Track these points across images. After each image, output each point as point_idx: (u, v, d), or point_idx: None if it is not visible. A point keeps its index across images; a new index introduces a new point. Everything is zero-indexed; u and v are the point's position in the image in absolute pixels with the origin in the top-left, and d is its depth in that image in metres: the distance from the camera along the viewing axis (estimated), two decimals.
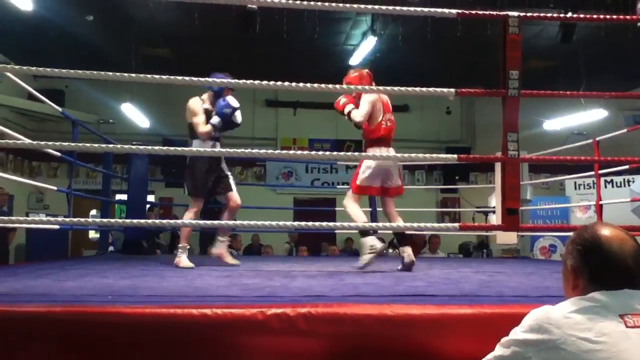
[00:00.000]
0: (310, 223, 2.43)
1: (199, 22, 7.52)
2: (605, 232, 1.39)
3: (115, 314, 1.68)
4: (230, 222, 4.30)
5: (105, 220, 3.67)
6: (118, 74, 2.37)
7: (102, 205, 6.48)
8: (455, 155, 2.55)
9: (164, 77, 2.39)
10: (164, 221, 2.92)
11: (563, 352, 1.25)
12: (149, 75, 2.41)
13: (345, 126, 4.46)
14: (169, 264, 4.23)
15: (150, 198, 9.99)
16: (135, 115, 10.25)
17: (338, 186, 10.70)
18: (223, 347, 1.70)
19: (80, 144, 2.52)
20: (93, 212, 10.45)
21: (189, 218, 4.26)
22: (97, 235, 8.08)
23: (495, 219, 6.88)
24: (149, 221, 2.82)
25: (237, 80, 2.54)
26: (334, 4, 2.63)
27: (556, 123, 10.57)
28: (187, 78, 2.40)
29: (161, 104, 10.51)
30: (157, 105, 10.50)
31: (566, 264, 1.45)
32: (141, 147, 2.48)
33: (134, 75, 2.44)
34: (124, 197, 6.54)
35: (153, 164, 10.06)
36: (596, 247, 1.38)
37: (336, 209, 8.62)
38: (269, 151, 3.01)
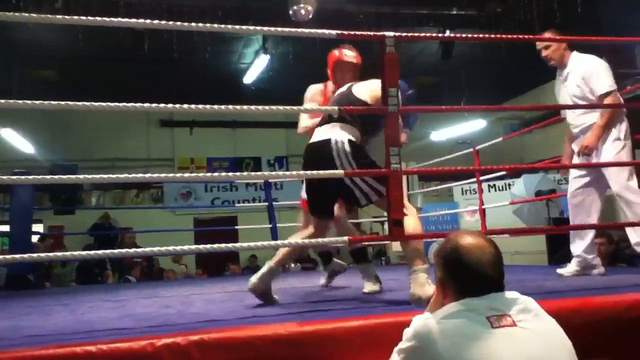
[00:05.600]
0: (209, 246, 2.37)
1: (84, 42, 7.23)
2: (465, 242, 1.49)
3: None
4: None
5: None
6: None
7: None
8: (342, 171, 2.63)
9: (50, 102, 2.26)
10: (52, 254, 2.76)
11: (439, 355, 1.34)
12: (30, 102, 2.25)
13: (243, 143, 4.39)
14: (58, 297, 4.00)
15: (39, 227, 9.39)
16: (17, 140, 9.61)
17: (238, 204, 10.62)
18: None
19: None
20: None
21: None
22: None
23: None
24: (33, 255, 2.64)
25: (129, 104, 2.43)
26: (217, 25, 2.64)
27: (442, 134, 11.17)
28: (79, 103, 2.28)
29: (47, 127, 9.97)
30: (42, 130, 9.92)
31: (436, 275, 1.56)
32: (14, 177, 2.32)
33: (12, 101, 2.29)
34: (6, 228, 6.09)
35: (40, 191, 9.46)
36: (457, 260, 1.47)
37: (237, 227, 8.57)
38: (165, 175, 2.87)
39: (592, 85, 3.44)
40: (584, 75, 3.48)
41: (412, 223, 2.62)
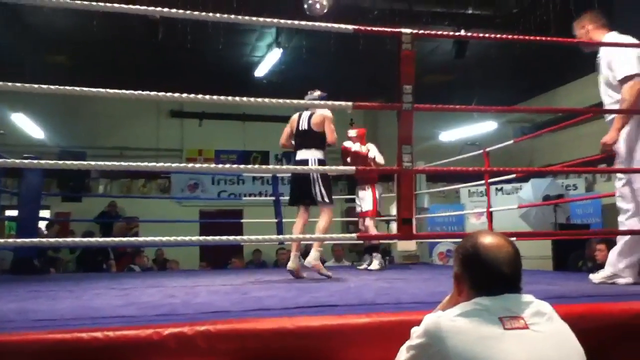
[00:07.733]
0: (217, 237, 2.40)
1: (98, 29, 7.24)
2: (484, 240, 1.49)
3: None
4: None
5: None
6: (2, 83, 2.22)
7: None
8: (353, 167, 2.62)
9: (58, 87, 2.26)
10: (61, 239, 2.75)
11: (448, 354, 1.33)
12: (42, 86, 2.26)
13: (252, 137, 4.36)
14: (63, 283, 4.01)
15: (46, 213, 9.42)
16: (28, 125, 9.65)
17: (244, 198, 10.62)
18: None
19: None
20: None
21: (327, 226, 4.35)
22: None
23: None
24: (41, 240, 2.65)
25: (141, 92, 2.44)
26: (232, 16, 2.62)
27: (451, 134, 11.13)
28: (84, 89, 2.29)
29: (58, 113, 10.00)
30: (53, 115, 9.96)
31: (453, 271, 1.55)
32: (26, 161, 2.33)
33: (18, 84, 2.28)
34: (15, 213, 6.11)
35: (48, 177, 9.49)
36: (474, 256, 1.48)
37: (243, 220, 8.57)
38: (176, 165, 2.90)
39: (614, 69, 3.06)
40: (609, 58, 3.12)
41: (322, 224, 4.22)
